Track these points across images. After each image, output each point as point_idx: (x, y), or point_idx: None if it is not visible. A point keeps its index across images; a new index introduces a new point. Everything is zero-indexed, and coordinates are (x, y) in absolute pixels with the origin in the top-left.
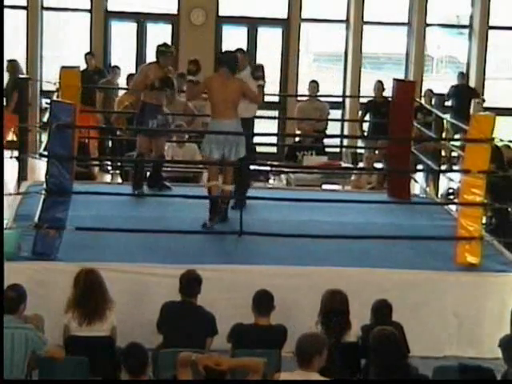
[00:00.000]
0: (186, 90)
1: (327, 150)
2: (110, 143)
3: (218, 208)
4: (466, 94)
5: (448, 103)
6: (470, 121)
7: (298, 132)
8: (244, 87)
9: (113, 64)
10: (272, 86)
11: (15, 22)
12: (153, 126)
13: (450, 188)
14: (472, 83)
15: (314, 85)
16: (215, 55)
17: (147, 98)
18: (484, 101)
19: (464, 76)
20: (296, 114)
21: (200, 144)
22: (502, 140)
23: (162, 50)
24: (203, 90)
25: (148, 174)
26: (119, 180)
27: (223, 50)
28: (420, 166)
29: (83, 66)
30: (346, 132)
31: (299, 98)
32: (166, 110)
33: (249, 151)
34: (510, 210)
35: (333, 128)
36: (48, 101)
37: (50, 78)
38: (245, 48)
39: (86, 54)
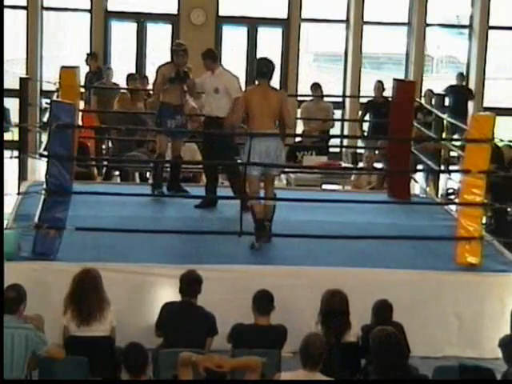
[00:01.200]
0: (230, 113)
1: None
2: (108, 144)
3: (264, 224)
4: (462, 94)
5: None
6: (470, 121)
7: (301, 132)
8: (284, 101)
9: (113, 64)
10: None
11: (15, 22)
12: (171, 126)
13: (448, 189)
14: (472, 83)
15: (316, 87)
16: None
17: (165, 98)
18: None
19: (463, 77)
20: (300, 114)
21: (199, 144)
22: (502, 140)
23: (174, 49)
24: (245, 105)
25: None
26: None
27: (259, 58)
28: (420, 166)
29: (83, 66)
30: (346, 132)
31: (304, 98)
32: None
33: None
34: (509, 209)
35: (333, 128)
36: (48, 101)
37: (50, 78)
38: (245, 48)
39: (88, 55)
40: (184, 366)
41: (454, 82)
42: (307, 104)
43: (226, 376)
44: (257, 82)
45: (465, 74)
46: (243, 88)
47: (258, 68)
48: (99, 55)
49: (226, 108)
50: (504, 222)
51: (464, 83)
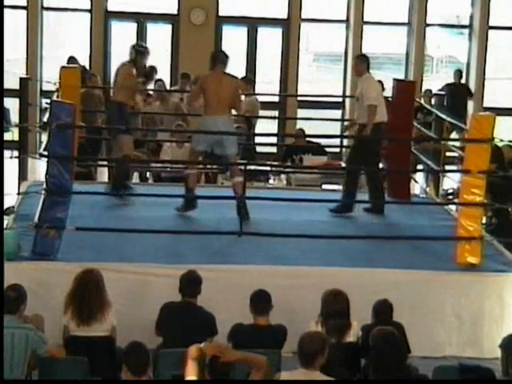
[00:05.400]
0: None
1: (327, 150)
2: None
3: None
4: (460, 93)
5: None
6: (470, 121)
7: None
8: (237, 87)
9: (113, 64)
10: (272, 86)
11: (15, 22)
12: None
13: (448, 190)
14: (472, 83)
15: (247, 81)
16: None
17: (124, 99)
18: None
19: (461, 74)
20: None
21: None
22: (502, 140)
23: (141, 50)
24: (200, 90)
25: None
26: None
27: (215, 50)
28: (420, 166)
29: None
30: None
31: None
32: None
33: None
34: (510, 209)
35: (333, 128)
36: (48, 101)
37: (50, 78)
38: (245, 48)
39: (69, 59)
40: (192, 359)
41: (452, 80)
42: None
43: (231, 370)
44: (213, 69)
45: (463, 72)
46: (378, 96)
47: (216, 56)
48: (99, 55)
49: (363, 116)
50: (506, 221)
51: (462, 81)
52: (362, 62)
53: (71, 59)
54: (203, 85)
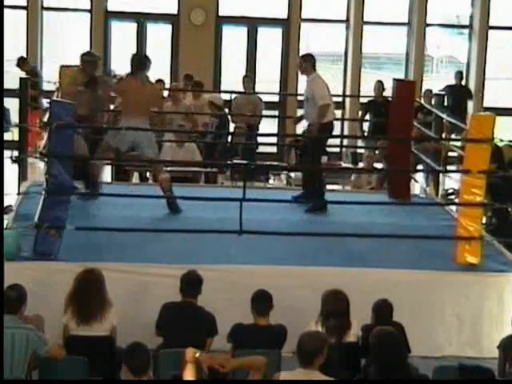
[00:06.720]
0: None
1: (327, 149)
2: None
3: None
4: (461, 94)
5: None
6: (470, 121)
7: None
8: (159, 95)
9: (112, 64)
10: (272, 86)
11: (15, 22)
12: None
13: (448, 190)
14: (472, 83)
15: (248, 79)
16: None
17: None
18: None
19: (462, 76)
20: (233, 110)
21: (199, 145)
22: (502, 140)
23: (89, 59)
24: (119, 92)
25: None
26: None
27: (138, 54)
28: (420, 166)
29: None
30: (346, 132)
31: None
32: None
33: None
34: (510, 209)
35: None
36: (48, 101)
37: (49, 77)
38: (245, 48)
39: (19, 59)
40: (190, 362)
41: (453, 81)
42: (239, 97)
43: (228, 375)
44: (135, 74)
45: (464, 73)
46: (328, 95)
47: (139, 61)
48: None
49: (313, 116)
50: (506, 221)
51: (463, 82)
52: (305, 62)
53: (21, 59)
54: (123, 88)
